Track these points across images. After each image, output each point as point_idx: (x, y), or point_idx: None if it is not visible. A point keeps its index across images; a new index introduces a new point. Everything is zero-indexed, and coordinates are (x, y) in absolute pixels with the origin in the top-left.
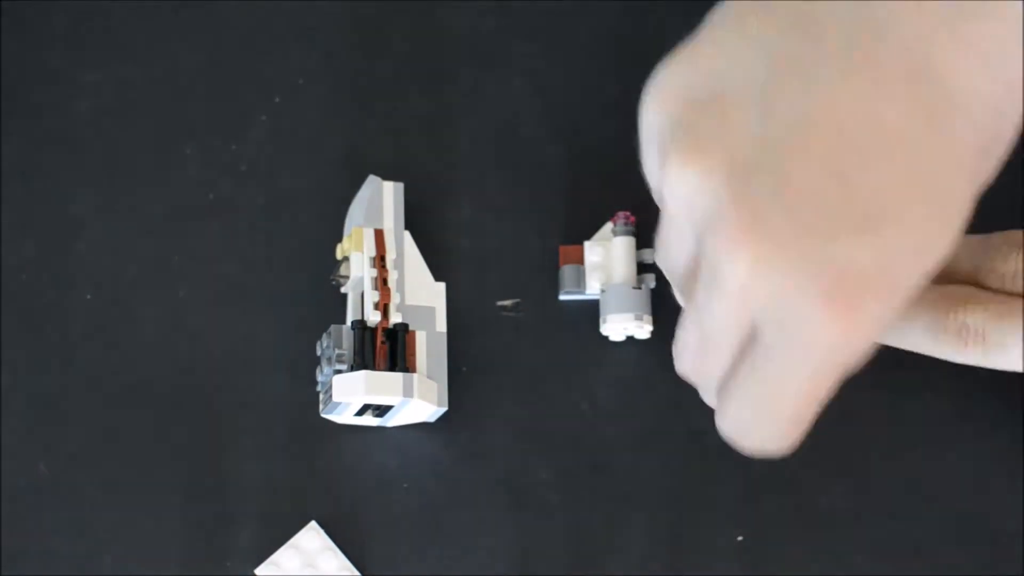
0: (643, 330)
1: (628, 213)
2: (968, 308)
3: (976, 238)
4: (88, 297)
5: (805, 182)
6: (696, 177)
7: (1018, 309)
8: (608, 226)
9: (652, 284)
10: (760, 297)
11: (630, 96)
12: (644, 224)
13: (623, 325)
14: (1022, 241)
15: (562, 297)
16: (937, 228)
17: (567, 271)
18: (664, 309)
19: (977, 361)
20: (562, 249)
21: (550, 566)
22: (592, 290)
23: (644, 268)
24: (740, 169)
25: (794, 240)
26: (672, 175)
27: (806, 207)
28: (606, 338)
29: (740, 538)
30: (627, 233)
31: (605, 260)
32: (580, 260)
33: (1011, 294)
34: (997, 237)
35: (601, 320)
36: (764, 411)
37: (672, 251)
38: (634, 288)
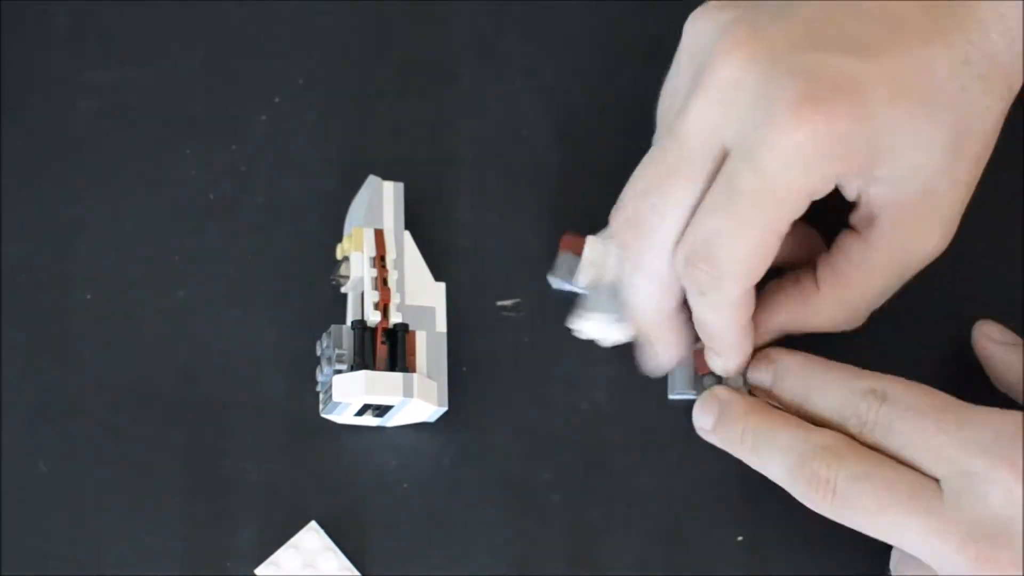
0: (621, 332)
1: None
2: (826, 460)
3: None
4: (88, 297)
5: (809, 13)
6: (712, 11)
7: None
8: None
9: None
10: (742, 102)
11: (630, 96)
12: None
13: (602, 325)
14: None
15: (550, 278)
16: (915, 79)
17: (563, 258)
18: None
19: (827, 513)
20: (566, 235)
21: (550, 566)
22: (582, 282)
23: None
24: (752, 6)
25: (787, 49)
26: (691, 21)
27: (805, 29)
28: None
29: (740, 538)
30: None
31: (602, 259)
32: (580, 251)
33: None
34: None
35: (576, 314)
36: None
37: (668, 94)
38: (618, 292)
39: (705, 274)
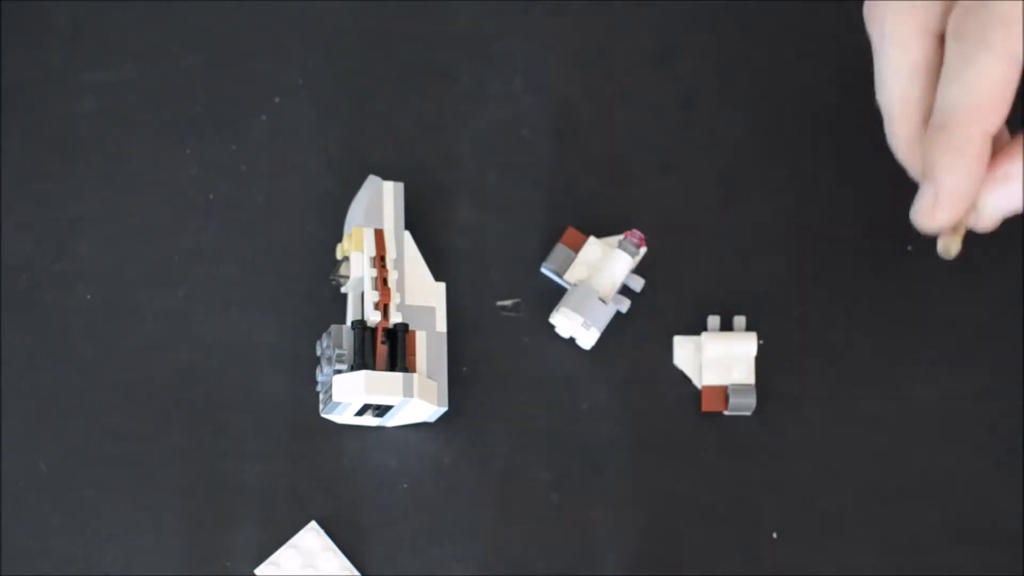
0: (585, 338)
1: (642, 236)
2: None
3: None
4: (88, 297)
5: None
6: None
7: None
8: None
9: (624, 308)
10: None
11: (630, 96)
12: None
13: (571, 323)
14: None
15: (542, 267)
16: None
17: (559, 250)
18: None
19: None
20: (569, 230)
21: (550, 566)
22: (570, 279)
23: (628, 293)
24: None
25: None
26: None
27: None
28: (606, 338)
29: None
30: (628, 252)
31: (596, 262)
32: (577, 248)
33: None
34: None
35: (556, 308)
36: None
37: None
38: (600, 299)
39: (975, 19)
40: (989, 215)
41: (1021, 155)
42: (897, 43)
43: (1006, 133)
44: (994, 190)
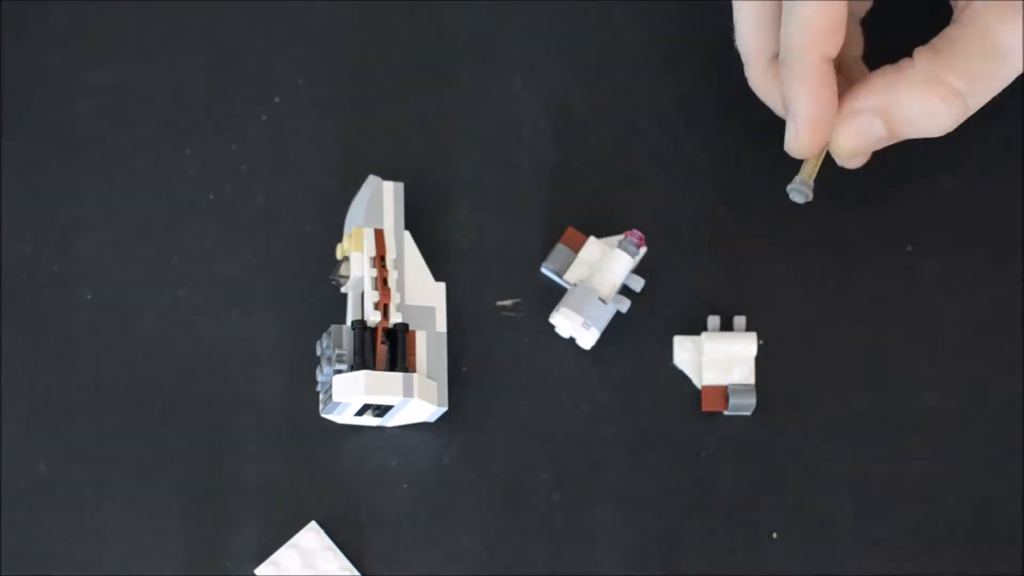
0: (585, 338)
1: (642, 235)
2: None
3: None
4: (88, 297)
5: None
6: None
7: None
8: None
9: (624, 308)
10: None
11: (630, 96)
12: (650, 249)
13: (571, 323)
14: None
15: (542, 267)
16: None
17: (559, 250)
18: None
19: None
20: (569, 230)
21: (550, 566)
22: (570, 279)
23: (628, 293)
24: None
25: None
26: None
27: None
28: (606, 338)
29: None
30: (628, 252)
31: (597, 262)
32: (577, 248)
33: None
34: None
35: (556, 308)
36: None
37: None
38: (600, 299)
39: None
40: (842, 148)
41: (866, 90)
42: None
43: (864, 70)
44: (843, 126)
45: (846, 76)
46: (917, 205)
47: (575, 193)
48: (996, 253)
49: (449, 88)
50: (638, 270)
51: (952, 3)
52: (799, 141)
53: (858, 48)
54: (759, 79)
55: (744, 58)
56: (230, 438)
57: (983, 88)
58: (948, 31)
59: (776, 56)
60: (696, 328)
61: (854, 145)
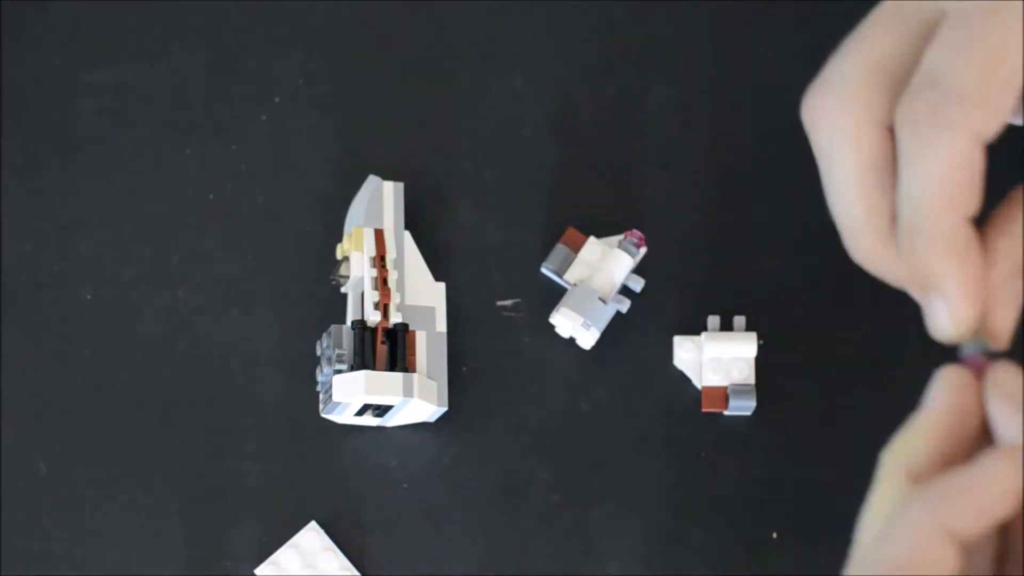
0: (585, 338)
1: (642, 235)
2: None
3: None
4: (88, 297)
5: None
6: None
7: None
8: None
9: (624, 308)
10: None
11: (630, 96)
12: (649, 249)
13: (571, 323)
14: None
15: (542, 267)
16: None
17: (559, 250)
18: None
19: None
20: (569, 230)
21: (550, 566)
22: (570, 279)
23: (628, 293)
24: None
25: None
26: None
27: None
28: (606, 338)
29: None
30: (628, 252)
31: (596, 262)
32: (577, 248)
33: None
34: None
35: (556, 308)
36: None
37: None
38: (600, 299)
39: (926, 101)
40: (1004, 326)
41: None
42: (850, 139)
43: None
44: (1001, 297)
45: None
46: None
47: (575, 193)
48: None
49: (449, 88)
50: (638, 270)
51: None
52: (959, 324)
53: None
54: (876, 250)
55: (848, 229)
56: (230, 438)
57: None
58: None
59: (892, 220)
60: (696, 328)
61: (1017, 315)
